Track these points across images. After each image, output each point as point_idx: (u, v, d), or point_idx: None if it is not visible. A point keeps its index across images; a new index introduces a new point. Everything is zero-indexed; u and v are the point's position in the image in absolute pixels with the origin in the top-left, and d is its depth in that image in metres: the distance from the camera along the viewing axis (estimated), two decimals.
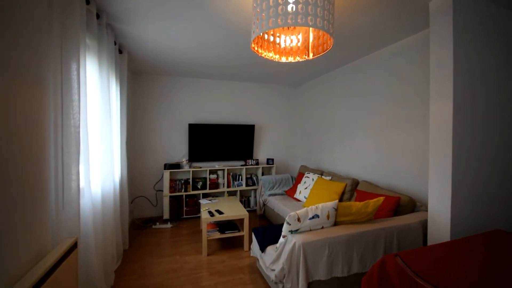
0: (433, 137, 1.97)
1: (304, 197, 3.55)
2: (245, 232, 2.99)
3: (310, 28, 1.95)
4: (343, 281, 1.84)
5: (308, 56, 2.05)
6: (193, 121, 4.50)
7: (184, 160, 4.34)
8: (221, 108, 4.71)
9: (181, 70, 3.99)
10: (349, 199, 3.02)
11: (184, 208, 4.14)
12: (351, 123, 3.60)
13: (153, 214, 4.31)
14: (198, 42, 2.83)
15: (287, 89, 5.18)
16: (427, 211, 2.19)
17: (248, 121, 4.87)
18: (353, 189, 3.06)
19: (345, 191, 3.07)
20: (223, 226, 3.17)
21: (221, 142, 4.55)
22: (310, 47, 2.07)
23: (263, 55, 2.00)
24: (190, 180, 4.22)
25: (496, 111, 2.06)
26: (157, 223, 3.84)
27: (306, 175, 3.90)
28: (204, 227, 2.87)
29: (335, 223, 2.05)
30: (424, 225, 2.09)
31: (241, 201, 4.54)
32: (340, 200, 3.10)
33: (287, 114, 5.21)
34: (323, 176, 3.56)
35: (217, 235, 2.97)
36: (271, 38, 2.01)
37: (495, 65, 2.05)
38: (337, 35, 2.63)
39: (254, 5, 1.69)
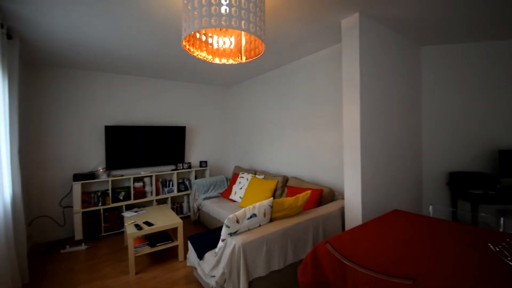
0: (346, 135, 2.32)
1: (240, 197, 3.61)
2: (179, 242, 2.82)
3: (243, 32, 2.00)
4: (279, 273, 1.95)
5: (241, 59, 2.10)
6: (111, 122, 3.94)
7: (100, 168, 3.74)
8: (147, 108, 4.29)
9: (97, 63, 3.43)
10: (281, 195, 3.24)
11: (103, 225, 3.58)
12: (279, 124, 3.89)
13: (61, 236, 3.56)
14: (120, 34, 2.50)
15: (219, 90, 5.16)
16: (343, 199, 2.57)
17: (178, 122, 4.60)
18: (284, 185, 3.30)
19: (277, 188, 3.27)
20: (153, 238, 2.90)
21: (147, 145, 4.13)
22: (242, 50, 2.12)
23: (195, 54, 1.93)
24: (109, 191, 3.68)
25: (390, 113, 2.59)
26: (67, 246, 3.19)
27: (240, 175, 3.97)
28: (130, 243, 2.56)
29: (271, 220, 2.16)
30: (342, 211, 2.44)
31: (173, 209, 4.26)
32: (273, 196, 3.28)
33: (220, 115, 5.19)
34: (256, 176, 3.70)
35: (147, 249, 2.70)
36: (203, 38, 1.97)
37: (388, 74, 2.57)
38: (268, 42, 2.78)
39: (185, 1, 1.62)
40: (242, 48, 2.09)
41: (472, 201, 2.58)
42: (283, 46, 2.95)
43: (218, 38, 2.03)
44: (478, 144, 2.98)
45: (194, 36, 1.91)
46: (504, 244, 1.26)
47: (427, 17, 2.31)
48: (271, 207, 2.11)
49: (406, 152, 2.85)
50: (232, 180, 4.11)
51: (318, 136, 3.23)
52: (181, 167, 4.43)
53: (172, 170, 4.33)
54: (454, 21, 2.40)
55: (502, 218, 1.64)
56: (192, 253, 2.33)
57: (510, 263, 1.06)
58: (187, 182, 4.50)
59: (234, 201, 3.67)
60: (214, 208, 3.45)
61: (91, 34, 2.51)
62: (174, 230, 2.98)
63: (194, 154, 4.82)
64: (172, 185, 4.32)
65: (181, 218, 4.15)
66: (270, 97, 4.07)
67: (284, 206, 2.16)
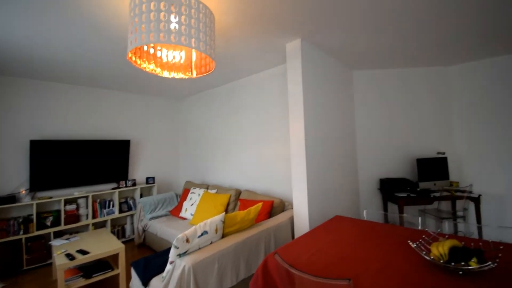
0: (293, 148, 2.49)
1: (191, 214, 3.47)
2: (121, 269, 2.54)
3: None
4: None
5: (192, 74, 2.10)
6: (39, 136, 3.42)
7: (23, 190, 3.19)
8: (85, 121, 3.86)
9: (19, 68, 2.99)
10: (234, 209, 3.24)
11: (25, 257, 3.01)
12: (231, 138, 3.95)
13: None
14: (54, 37, 2.25)
15: (170, 102, 4.99)
16: (293, 208, 2.70)
17: (122, 136, 4.25)
18: (237, 199, 3.31)
19: (230, 202, 3.26)
20: (89, 268, 2.55)
21: (83, 162, 3.69)
22: (193, 65, 2.13)
23: (142, 67, 1.86)
24: (34, 217, 3.14)
25: (330, 127, 2.87)
26: None
27: (192, 191, 3.83)
28: (60, 276, 2.21)
29: (223, 235, 2.13)
30: (291, 221, 2.56)
31: (113, 232, 3.84)
32: (226, 211, 3.26)
33: (170, 128, 4.99)
34: (208, 190, 3.63)
35: (81, 282, 2.36)
36: (152, 51, 1.92)
37: (327, 93, 2.87)
38: (220, 58, 2.85)
39: (132, 14, 1.57)
40: (193, 63, 2.10)
41: (398, 203, 3.00)
42: (234, 63, 3.06)
43: (167, 52, 2.00)
44: (401, 154, 3.51)
45: (142, 48, 1.85)
46: (420, 240, 1.51)
47: (354, 47, 2.69)
48: (223, 222, 2.10)
49: (345, 162, 3.18)
50: (183, 196, 3.94)
51: (269, 149, 3.38)
52: (124, 185, 4.07)
53: (113, 188, 3.93)
54: (377, 51, 2.85)
55: (420, 218, 1.96)
56: (135, 281, 2.13)
57: (425, 256, 1.26)
58: (131, 202, 4.14)
59: (185, 218, 3.51)
60: (162, 228, 3.24)
61: (16, 34, 2.20)
62: (115, 256, 2.68)
63: (140, 170, 4.48)
64: (113, 206, 3.92)
65: (124, 242, 3.79)
66: (223, 111, 4.12)
67: (236, 220, 2.16)
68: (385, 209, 3.41)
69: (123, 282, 2.53)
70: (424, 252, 1.30)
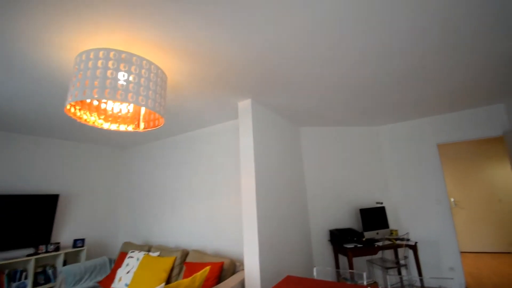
0: (244, 204, 2.44)
1: (126, 284, 2.94)
2: None
3: None
4: None
5: (139, 127, 2.02)
6: None
7: None
8: (5, 172, 3.26)
9: None
10: (179, 274, 2.86)
11: None
12: (180, 192, 3.71)
13: None
14: None
15: (112, 152, 4.60)
16: (244, 270, 2.51)
17: (49, 190, 3.65)
18: (183, 262, 2.95)
19: (174, 266, 2.89)
20: None
21: None
22: (141, 119, 2.07)
23: (82, 120, 1.73)
24: None
25: (281, 181, 2.95)
26: None
27: (129, 254, 3.32)
28: None
29: None
30: (242, 284, 2.35)
31: None
32: (169, 277, 2.86)
33: (111, 180, 4.50)
34: (150, 253, 3.19)
35: None
36: (96, 102, 1.82)
37: (278, 149, 3.01)
38: (171, 110, 2.85)
39: (76, 67, 1.52)
40: (141, 116, 2.05)
41: (347, 255, 3.06)
42: (187, 115, 3.09)
43: (114, 104, 1.93)
44: (346, 205, 3.73)
45: (84, 100, 1.75)
46: None
47: (297, 107, 3.01)
48: None
49: (297, 215, 3.22)
50: (118, 262, 3.37)
51: (221, 205, 3.25)
52: (44, 250, 3.34)
53: (29, 255, 3.19)
54: (316, 112, 3.23)
55: (364, 273, 2.00)
56: None
57: None
58: (50, 271, 3.36)
59: None
60: None
61: None
62: None
63: (67, 230, 3.79)
64: (26, 278, 3.12)
65: None
66: (172, 164, 3.94)
67: None
68: (336, 260, 3.43)
69: None
70: None
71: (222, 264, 2.52)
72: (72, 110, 1.67)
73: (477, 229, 5.17)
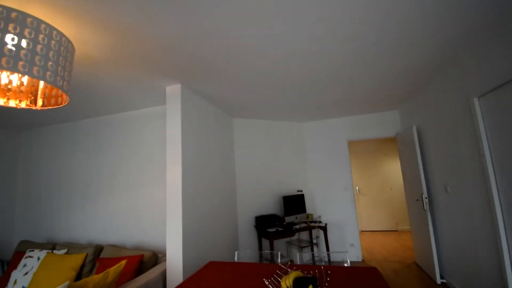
0: (169, 196, 2.37)
1: (23, 287, 2.51)
2: None
3: None
4: None
5: (35, 104, 1.71)
6: None
7: None
8: None
9: None
10: (91, 272, 2.59)
11: None
12: (94, 183, 3.30)
13: None
14: None
15: (4, 134, 3.72)
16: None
17: None
18: (95, 258, 2.68)
19: (86, 263, 2.60)
20: None
21: None
22: (39, 95, 1.75)
23: None
24: None
25: (210, 171, 2.96)
26: None
27: (27, 254, 2.82)
28: None
29: None
30: (164, 275, 2.30)
31: None
32: (79, 275, 2.56)
33: (2, 168, 3.65)
34: (54, 251, 2.78)
35: None
36: None
37: (208, 138, 2.99)
38: (87, 90, 2.48)
39: None
40: (39, 91, 1.73)
41: (269, 238, 3.32)
42: (107, 97, 2.75)
43: (1, 73, 1.57)
44: (271, 193, 4.02)
45: None
46: (275, 275, 1.69)
47: (229, 99, 3.06)
48: None
49: (224, 204, 3.29)
50: (12, 263, 2.83)
51: (143, 196, 3.04)
52: None
53: None
54: (250, 104, 3.34)
55: (279, 253, 2.22)
56: None
57: None
58: None
59: None
60: None
61: None
62: None
63: None
64: None
65: None
66: (85, 150, 3.44)
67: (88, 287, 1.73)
68: (260, 244, 3.69)
69: None
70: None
71: (141, 257, 2.40)
72: None
73: (374, 212, 6.33)
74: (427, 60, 2.36)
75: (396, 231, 6.05)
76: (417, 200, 3.44)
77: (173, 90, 2.54)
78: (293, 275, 1.47)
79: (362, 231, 6.27)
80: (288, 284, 1.41)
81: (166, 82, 2.46)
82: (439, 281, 3.06)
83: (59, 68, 1.44)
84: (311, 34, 1.81)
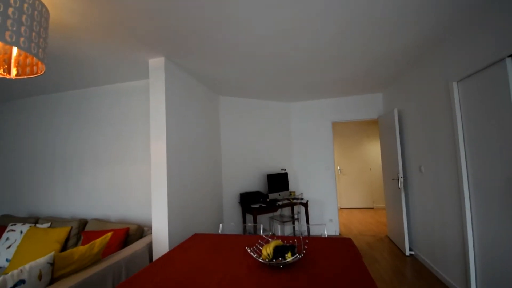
0: (153, 170, 2.38)
1: (7, 260, 2.53)
2: None
3: None
4: None
5: (9, 73, 1.62)
6: None
7: None
8: None
9: None
10: (76, 245, 2.63)
11: None
12: (77, 157, 3.23)
13: None
14: None
15: None
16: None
17: None
18: (80, 232, 2.71)
19: (70, 236, 2.63)
20: None
21: None
22: (12, 63, 1.65)
23: None
24: None
25: (196, 147, 2.97)
26: None
27: (9, 228, 2.80)
28: None
29: (53, 280, 1.68)
30: (150, 247, 2.38)
31: None
32: (64, 248, 2.59)
33: None
34: (37, 225, 2.77)
35: None
36: None
37: (193, 114, 2.97)
38: (64, 60, 2.35)
39: None
40: (12, 60, 1.63)
41: (252, 213, 3.46)
42: (86, 68, 2.62)
43: None
44: (256, 171, 4.12)
45: None
46: (256, 244, 1.81)
47: (214, 75, 3.01)
48: (52, 264, 1.66)
49: (210, 180, 3.36)
50: None
51: (127, 171, 3.02)
52: None
53: None
54: (234, 83, 3.30)
55: (261, 225, 2.34)
56: None
57: (256, 258, 1.52)
58: None
59: None
60: None
61: None
62: None
63: None
64: None
65: None
66: (65, 123, 3.32)
67: (73, 258, 1.77)
68: (244, 220, 3.84)
69: None
70: (256, 255, 1.56)
71: (127, 229, 2.45)
72: None
73: (353, 191, 6.66)
74: (410, 43, 2.41)
75: (373, 208, 6.45)
76: (393, 179, 3.66)
77: (156, 63, 2.46)
78: (273, 243, 1.58)
79: (341, 208, 6.62)
80: (268, 252, 1.52)
81: (149, 55, 2.38)
82: (407, 252, 3.36)
83: (33, 34, 1.36)
84: (304, 10, 1.79)
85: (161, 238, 2.31)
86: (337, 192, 4.50)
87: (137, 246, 2.29)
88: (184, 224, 2.60)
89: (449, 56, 2.34)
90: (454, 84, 2.30)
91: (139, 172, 2.96)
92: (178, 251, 1.89)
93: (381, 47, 2.44)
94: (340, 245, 1.83)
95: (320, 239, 1.96)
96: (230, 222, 3.80)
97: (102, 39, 2.05)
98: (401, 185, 3.41)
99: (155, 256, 2.32)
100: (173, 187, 2.44)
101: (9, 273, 1.48)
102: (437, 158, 2.64)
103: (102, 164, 3.11)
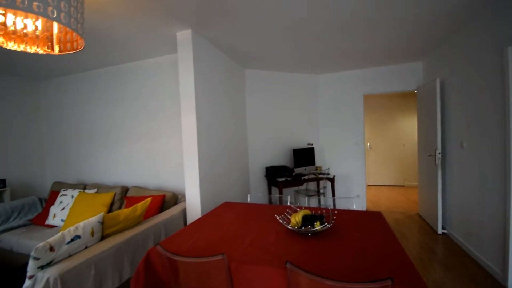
0: (185, 141, 2.49)
1: (62, 220, 2.90)
2: None
3: None
4: None
5: (53, 49, 1.73)
6: None
7: None
8: None
9: None
10: (119, 208, 2.93)
11: None
12: (115, 130, 3.49)
13: None
14: None
15: (24, 83, 3.85)
16: (185, 201, 2.72)
17: None
18: (123, 197, 3.00)
19: (115, 201, 2.93)
20: None
21: None
22: (54, 40, 1.76)
23: None
24: None
25: (223, 120, 3.03)
26: None
27: (62, 193, 3.18)
28: None
29: (102, 238, 1.92)
30: (184, 212, 2.58)
31: None
32: (110, 211, 2.90)
33: (28, 116, 3.87)
34: (86, 190, 3.11)
35: None
36: None
37: (220, 87, 2.99)
38: (98, 35, 2.45)
39: None
40: (54, 37, 1.74)
41: (278, 187, 3.53)
42: (117, 44, 2.71)
43: (15, 18, 1.57)
44: (282, 145, 4.12)
45: None
46: (285, 213, 1.87)
47: (242, 47, 2.93)
48: (102, 223, 1.88)
49: (237, 153, 3.45)
50: (50, 200, 3.22)
51: (161, 142, 3.21)
52: None
53: None
54: (263, 55, 3.21)
55: (288, 196, 2.40)
56: None
57: (285, 225, 1.58)
58: None
59: (54, 226, 2.90)
60: (19, 241, 2.56)
61: None
62: None
63: None
64: None
65: None
66: (103, 99, 3.55)
67: (119, 219, 1.98)
68: (269, 192, 3.95)
69: None
70: (285, 222, 1.62)
71: (163, 196, 2.66)
72: None
73: (382, 167, 6.43)
74: (459, 4, 2.12)
75: (403, 186, 6.22)
76: (430, 155, 3.45)
77: (184, 36, 2.45)
78: (302, 212, 1.62)
79: (368, 185, 6.48)
80: (297, 220, 1.57)
81: (177, 27, 2.37)
82: (440, 231, 3.24)
83: (72, 9, 1.41)
84: None
85: (193, 205, 2.47)
86: (365, 168, 4.38)
87: (174, 211, 2.49)
88: (213, 192, 2.74)
89: (504, 18, 2.02)
90: (510, 49, 2.01)
91: (172, 144, 3.13)
92: (210, 216, 2.02)
93: (426, 9, 2.18)
94: (369, 218, 1.82)
95: (348, 212, 1.96)
96: (259, 193, 3.93)
97: (132, 13, 2.08)
98: (438, 162, 3.21)
99: (189, 221, 2.51)
100: (203, 158, 2.55)
101: (67, 229, 1.71)
102: (483, 133, 2.41)
103: (137, 136, 3.33)
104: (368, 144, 6.48)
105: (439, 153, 3.20)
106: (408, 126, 6.14)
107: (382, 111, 6.34)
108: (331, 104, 4.34)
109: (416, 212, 4.13)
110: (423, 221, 3.76)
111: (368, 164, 6.44)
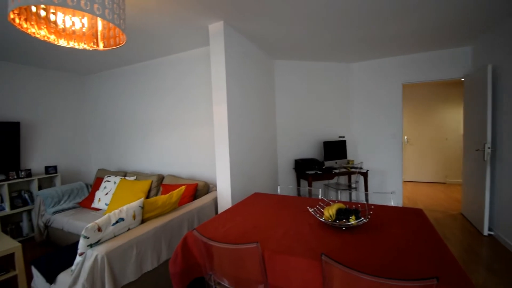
0: (216, 132, 2.55)
1: (106, 204, 3.17)
2: (19, 271, 2.15)
3: None
4: (153, 273, 1.91)
5: (98, 45, 1.86)
6: None
7: None
8: None
9: None
10: (156, 195, 3.11)
11: None
12: (151, 121, 3.70)
13: None
14: None
15: (74, 78, 4.22)
16: (216, 190, 2.80)
17: (9, 117, 3.42)
18: (159, 184, 3.18)
19: (152, 188, 3.12)
20: None
21: None
22: (99, 36, 1.88)
23: (29, 32, 1.54)
24: None
25: (253, 112, 3.04)
26: None
27: (106, 179, 3.46)
28: None
29: (142, 221, 2.06)
30: (215, 201, 2.66)
31: (5, 232, 3.18)
32: (147, 197, 3.10)
33: (74, 109, 4.25)
34: (126, 177, 3.36)
35: None
36: (43, 13, 1.59)
37: (250, 79, 2.99)
38: (136, 31, 2.58)
39: None
40: (99, 33, 1.86)
41: (307, 180, 3.48)
42: (153, 39, 2.82)
43: (64, 17, 1.70)
44: (312, 138, 4.03)
45: (29, 9, 1.52)
46: (317, 206, 1.83)
47: (274, 36, 2.88)
48: (142, 208, 2.01)
49: (265, 145, 3.45)
50: (95, 185, 3.53)
51: (193, 133, 3.33)
52: (15, 176, 3.34)
53: (1, 181, 3.19)
54: (294, 43, 3.12)
55: (320, 189, 2.35)
56: (38, 279, 1.86)
57: (319, 218, 1.55)
58: (26, 195, 3.45)
59: (99, 209, 3.18)
60: (69, 222, 2.86)
61: None
62: (10, 257, 2.23)
63: (37, 158, 3.73)
64: (2, 201, 3.20)
65: (21, 241, 3.23)
66: (139, 92, 3.77)
67: (157, 204, 2.11)
68: (298, 185, 3.91)
69: (23, 283, 2.16)
70: (318, 215, 1.59)
71: (196, 185, 2.77)
72: (17, 21, 1.46)
73: (420, 163, 6.00)
74: None
75: (444, 183, 5.76)
76: (478, 150, 3.14)
77: (216, 28, 2.48)
78: (336, 206, 1.57)
79: (405, 181, 6.11)
80: (331, 213, 1.53)
81: (209, 19, 2.40)
82: (486, 232, 2.97)
83: (115, 5, 1.49)
84: None
85: (224, 194, 2.54)
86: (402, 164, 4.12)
87: (206, 199, 2.59)
88: (243, 183, 2.79)
89: None
90: None
91: (204, 135, 3.24)
92: (241, 206, 2.06)
93: None
94: (409, 215, 1.72)
95: (385, 207, 1.87)
96: (288, 185, 3.92)
97: (167, 6, 2.14)
98: (487, 157, 2.91)
99: (220, 210, 2.59)
100: (234, 149, 2.59)
101: (112, 212, 1.86)
102: None
103: (172, 128, 3.50)
104: (406, 137, 6.08)
105: (489, 148, 2.90)
106: (452, 118, 5.62)
107: (421, 102, 5.87)
108: (365, 95, 4.12)
109: (459, 212, 3.81)
110: (467, 221, 3.46)
111: (404, 159, 6.06)
